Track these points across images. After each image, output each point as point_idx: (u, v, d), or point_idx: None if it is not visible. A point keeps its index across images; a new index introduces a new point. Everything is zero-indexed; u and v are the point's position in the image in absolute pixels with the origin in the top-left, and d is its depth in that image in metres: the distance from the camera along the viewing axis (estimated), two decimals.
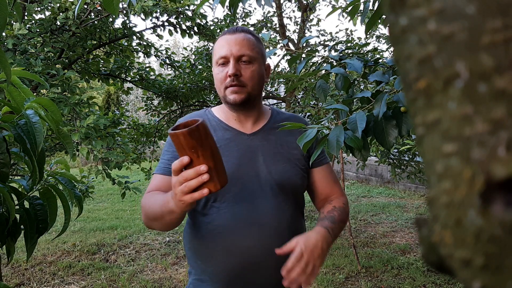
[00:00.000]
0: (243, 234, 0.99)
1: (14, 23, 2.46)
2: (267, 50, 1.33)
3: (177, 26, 3.33)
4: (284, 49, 1.27)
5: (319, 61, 1.22)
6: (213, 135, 1.05)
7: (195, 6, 3.20)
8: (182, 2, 3.11)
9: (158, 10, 3.08)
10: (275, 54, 1.37)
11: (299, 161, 1.06)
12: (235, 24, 3.90)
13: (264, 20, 5.75)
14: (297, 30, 6.19)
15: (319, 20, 6.07)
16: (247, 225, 0.99)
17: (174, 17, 3.25)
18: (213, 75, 1.06)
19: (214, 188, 0.77)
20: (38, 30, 2.71)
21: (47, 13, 2.97)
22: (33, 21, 2.81)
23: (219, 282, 1.01)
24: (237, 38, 1.00)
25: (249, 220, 0.99)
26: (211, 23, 3.60)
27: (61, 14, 2.67)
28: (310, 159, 1.06)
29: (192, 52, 4.25)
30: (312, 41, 5.62)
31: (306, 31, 5.84)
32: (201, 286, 1.04)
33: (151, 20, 3.21)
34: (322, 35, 6.07)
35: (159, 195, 0.97)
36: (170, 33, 3.38)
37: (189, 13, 3.23)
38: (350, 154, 1.12)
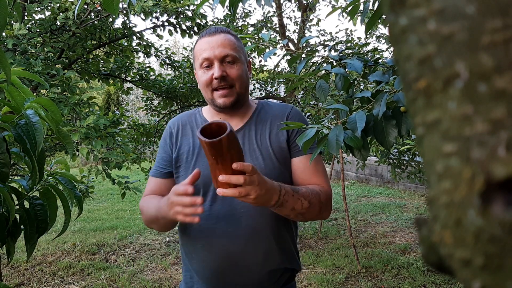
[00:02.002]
0: (221, 233, 1.00)
1: (14, 23, 2.46)
2: (267, 50, 1.33)
3: (177, 26, 3.33)
4: (284, 49, 1.27)
5: (319, 61, 1.22)
6: (195, 134, 1.08)
7: (195, 6, 3.20)
8: (182, 2, 3.11)
9: (158, 10, 3.08)
10: (275, 54, 1.37)
11: (280, 154, 1.03)
12: (234, 24, 3.90)
13: (264, 20, 5.75)
14: (297, 30, 6.19)
15: (319, 20, 6.07)
16: (225, 225, 1.00)
17: (174, 17, 3.24)
18: (196, 78, 1.07)
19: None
20: (38, 30, 2.71)
21: (47, 13, 2.97)
22: (33, 21, 2.81)
23: (202, 279, 1.04)
24: (218, 39, 1.00)
25: (227, 219, 0.99)
26: (211, 23, 3.60)
27: (61, 14, 2.67)
28: (290, 150, 1.05)
29: (192, 52, 4.24)
30: (312, 41, 5.62)
31: (306, 31, 5.84)
32: (191, 282, 1.09)
33: (151, 20, 3.21)
34: (322, 35, 6.07)
35: (154, 200, 1.03)
36: (170, 33, 3.38)
37: (189, 13, 3.23)
38: (350, 154, 1.12)
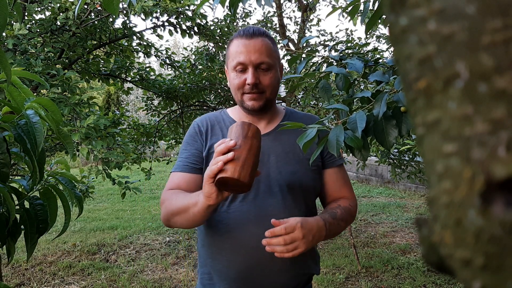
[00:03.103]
0: (250, 234, 0.99)
1: (14, 23, 2.46)
2: None
3: (177, 26, 3.33)
4: (284, 49, 1.27)
5: (319, 61, 1.22)
6: (225, 134, 1.08)
7: (195, 6, 3.20)
8: (182, 2, 3.11)
9: (158, 10, 3.08)
10: None
11: (313, 162, 1.04)
12: (235, 24, 3.90)
13: (264, 20, 5.75)
14: (297, 30, 6.19)
15: (319, 20, 6.07)
16: (255, 225, 0.99)
17: (174, 17, 3.25)
18: (228, 79, 1.06)
19: (231, 173, 0.79)
20: (38, 30, 2.71)
21: (47, 13, 2.97)
22: (33, 21, 2.81)
23: (226, 280, 1.02)
24: (256, 44, 0.99)
25: (257, 220, 0.99)
26: (211, 23, 3.60)
27: (61, 14, 2.67)
28: (323, 160, 1.08)
29: (192, 52, 4.25)
30: (312, 41, 5.62)
31: (306, 31, 5.84)
32: (210, 283, 1.06)
33: (151, 20, 3.21)
34: (322, 35, 6.07)
35: (183, 193, 0.99)
36: (170, 33, 3.38)
37: (189, 13, 3.23)
38: (350, 154, 1.12)
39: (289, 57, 1.27)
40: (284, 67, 1.16)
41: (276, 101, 1.28)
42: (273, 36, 5.67)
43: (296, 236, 0.85)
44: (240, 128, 0.84)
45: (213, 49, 4.07)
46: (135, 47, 3.54)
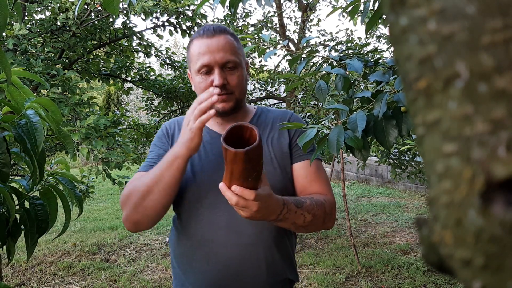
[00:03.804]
0: (221, 243, 0.95)
1: (15, 23, 2.46)
2: (268, 50, 1.33)
3: (177, 26, 3.33)
4: (284, 50, 1.27)
5: (319, 61, 1.22)
6: None
7: (195, 6, 3.20)
8: (182, 2, 3.11)
9: (158, 10, 3.09)
10: (275, 54, 1.37)
11: (281, 159, 0.99)
12: (235, 24, 3.90)
13: (264, 20, 5.75)
14: (297, 30, 6.19)
15: (319, 20, 6.07)
16: (225, 233, 0.94)
17: (174, 17, 3.25)
18: (193, 83, 1.00)
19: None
20: (38, 30, 2.71)
21: (47, 13, 2.97)
22: (34, 21, 2.81)
23: None
24: (219, 43, 0.93)
25: (227, 228, 0.94)
26: (212, 23, 3.60)
27: (61, 14, 2.67)
28: (290, 155, 1.00)
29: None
30: (312, 41, 5.62)
31: (306, 31, 5.84)
32: None
33: (151, 20, 3.21)
34: (323, 35, 6.08)
35: (149, 171, 0.94)
36: (170, 33, 3.39)
37: (189, 13, 3.23)
38: (350, 154, 1.11)
39: (289, 57, 1.27)
40: (250, 64, 1.08)
41: (277, 101, 1.25)
42: (273, 36, 5.67)
43: (248, 205, 0.75)
44: (223, 153, 0.75)
45: None
46: (135, 47, 3.54)
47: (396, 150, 3.65)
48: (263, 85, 4.88)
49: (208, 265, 0.96)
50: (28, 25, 2.72)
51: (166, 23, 3.33)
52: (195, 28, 3.40)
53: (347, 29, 6.16)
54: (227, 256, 0.94)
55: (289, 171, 1.00)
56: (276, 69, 5.17)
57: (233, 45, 0.96)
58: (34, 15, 2.92)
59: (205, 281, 0.96)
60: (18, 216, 0.95)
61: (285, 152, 1.00)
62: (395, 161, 3.80)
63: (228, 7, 1.04)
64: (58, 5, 2.67)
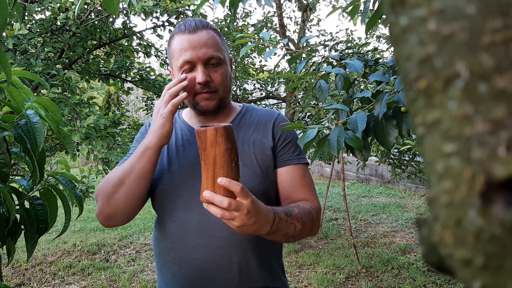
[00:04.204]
0: (192, 245, 0.91)
1: (15, 23, 2.46)
2: (267, 50, 1.33)
3: None
4: (284, 49, 1.27)
5: (319, 61, 1.22)
6: (174, 136, 1.00)
7: (195, 6, 3.20)
8: (182, 2, 3.11)
9: (158, 10, 3.09)
10: (275, 54, 1.37)
11: (262, 162, 0.94)
12: (235, 24, 3.90)
13: (264, 20, 5.75)
14: (297, 30, 6.19)
15: (319, 20, 6.07)
16: (197, 236, 0.91)
17: (174, 17, 3.25)
18: (172, 78, 0.97)
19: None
20: (38, 30, 2.71)
21: (47, 13, 2.97)
22: (34, 21, 2.81)
23: None
24: (201, 38, 0.89)
25: (199, 230, 0.90)
26: (212, 23, 3.60)
27: (61, 14, 2.67)
28: (275, 159, 0.96)
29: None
30: (312, 41, 5.62)
31: (306, 31, 5.84)
32: None
33: (151, 20, 3.21)
34: (322, 35, 6.08)
35: (122, 164, 0.93)
36: (170, 33, 3.39)
37: (189, 13, 3.23)
38: (350, 154, 1.11)
39: (289, 57, 1.27)
40: (233, 62, 1.04)
41: (277, 101, 1.22)
42: (273, 36, 5.67)
43: (235, 216, 0.71)
44: (198, 139, 0.73)
45: None
46: (135, 47, 3.54)
47: (396, 150, 3.65)
48: (263, 85, 4.87)
49: (180, 267, 0.93)
50: (28, 25, 2.72)
51: (166, 23, 3.33)
52: None
53: (347, 29, 6.16)
54: (198, 259, 0.91)
55: (272, 174, 0.96)
56: (276, 69, 5.18)
57: (216, 40, 0.92)
58: (34, 15, 2.92)
59: (177, 283, 0.94)
60: (18, 216, 0.95)
61: (267, 154, 0.95)
62: (395, 161, 3.80)
63: (228, 7, 1.04)
64: (58, 5, 2.67)
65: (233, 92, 4.27)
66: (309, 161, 1.03)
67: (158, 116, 0.84)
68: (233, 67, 1.06)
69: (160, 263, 0.98)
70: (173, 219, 0.94)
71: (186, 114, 1.06)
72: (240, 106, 1.06)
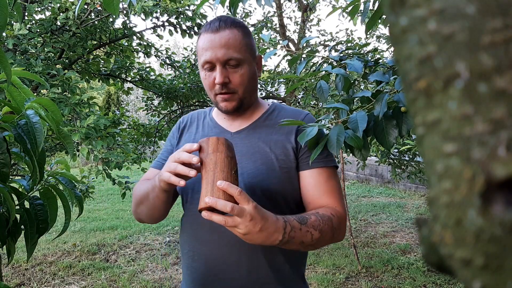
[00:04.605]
0: (203, 241, 0.94)
1: (15, 23, 2.46)
2: (267, 50, 1.33)
3: (177, 26, 3.33)
4: (284, 50, 1.27)
5: (319, 62, 1.22)
6: (199, 131, 1.04)
7: (195, 6, 3.20)
8: (182, 2, 3.11)
9: (158, 10, 3.09)
10: (275, 54, 1.37)
11: (283, 162, 0.93)
12: None
13: (264, 20, 5.75)
14: (297, 30, 6.19)
15: (319, 20, 6.07)
16: (208, 232, 0.93)
17: (174, 17, 3.25)
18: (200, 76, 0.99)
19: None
20: (38, 30, 2.71)
21: (47, 13, 2.97)
22: (34, 21, 2.81)
23: (188, 285, 1.00)
24: (222, 39, 0.89)
25: (211, 226, 0.91)
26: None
27: (61, 14, 2.67)
28: (298, 160, 0.95)
29: (192, 52, 4.25)
30: (312, 41, 5.62)
31: (306, 31, 5.84)
32: (183, 284, 1.04)
33: (151, 20, 3.21)
34: (323, 35, 6.08)
35: (147, 181, 0.97)
36: (170, 33, 3.39)
37: (189, 13, 3.23)
38: (350, 154, 1.11)
39: (289, 58, 1.27)
40: (272, 69, 1.07)
41: (277, 101, 1.20)
42: (273, 36, 5.67)
43: (244, 209, 0.70)
44: (205, 145, 0.78)
45: None
46: (135, 47, 3.54)
47: (396, 150, 3.65)
48: (263, 85, 4.88)
49: (193, 261, 0.96)
50: (28, 25, 2.72)
51: (166, 23, 3.33)
52: (195, 28, 3.40)
53: (347, 29, 6.17)
54: (208, 254, 0.93)
55: (293, 176, 0.94)
56: (276, 69, 5.18)
57: (238, 40, 0.91)
58: (34, 15, 2.92)
59: (190, 276, 0.97)
60: (18, 216, 0.95)
61: (288, 155, 0.94)
62: (395, 161, 3.80)
63: (228, 7, 1.04)
64: (58, 5, 2.67)
65: None
66: (338, 164, 1.00)
67: (165, 166, 0.82)
68: (262, 66, 1.04)
69: (181, 254, 1.03)
70: (189, 214, 0.97)
71: (215, 112, 1.08)
72: (269, 104, 1.06)
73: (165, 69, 3.96)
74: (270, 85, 4.75)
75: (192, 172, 0.76)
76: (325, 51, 5.27)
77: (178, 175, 0.79)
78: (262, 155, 0.94)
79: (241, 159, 0.93)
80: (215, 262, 0.92)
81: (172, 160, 0.80)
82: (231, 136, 0.99)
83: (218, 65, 0.90)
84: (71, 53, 2.86)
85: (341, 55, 1.17)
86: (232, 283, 0.91)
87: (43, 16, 2.96)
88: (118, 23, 3.27)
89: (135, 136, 3.80)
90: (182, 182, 0.77)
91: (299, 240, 0.78)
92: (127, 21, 3.18)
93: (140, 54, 3.64)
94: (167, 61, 3.82)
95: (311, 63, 1.27)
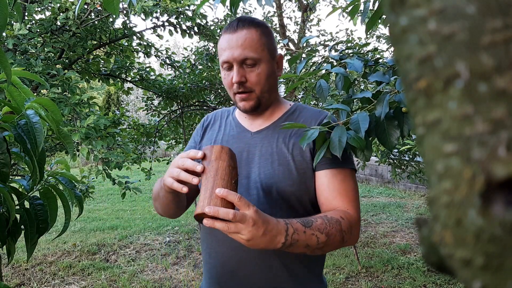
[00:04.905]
0: (219, 239, 0.96)
1: (15, 23, 2.46)
2: None
3: (177, 26, 3.33)
4: (284, 49, 1.27)
5: (319, 61, 1.22)
6: (221, 130, 1.07)
7: (195, 6, 3.20)
8: (182, 2, 3.11)
9: (158, 10, 3.08)
10: None
11: (300, 164, 0.93)
12: None
13: (265, 20, 5.75)
14: (297, 30, 6.19)
15: (319, 20, 6.07)
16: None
17: (174, 17, 3.25)
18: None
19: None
20: (38, 30, 2.71)
21: (47, 13, 2.97)
22: (34, 21, 2.81)
23: (206, 280, 1.03)
24: (239, 38, 0.91)
25: None
26: (211, 23, 3.60)
27: (61, 14, 2.67)
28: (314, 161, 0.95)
29: (192, 52, 4.25)
30: (312, 41, 5.62)
31: (306, 31, 5.84)
32: (203, 280, 1.08)
33: (151, 20, 3.21)
34: (322, 35, 6.08)
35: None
36: (170, 33, 3.38)
37: (189, 13, 3.23)
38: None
39: (289, 57, 1.27)
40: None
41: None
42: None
43: (246, 215, 0.70)
44: (208, 152, 0.79)
45: (213, 49, 4.07)
46: (135, 47, 3.54)
47: (396, 150, 3.64)
48: None
49: (210, 257, 0.99)
50: (28, 25, 2.72)
51: (166, 23, 3.32)
52: (195, 28, 3.40)
53: (347, 29, 6.17)
54: (223, 252, 0.96)
55: (309, 178, 0.94)
56: None
57: (255, 40, 0.92)
58: (34, 15, 2.91)
59: (208, 272, 1.01)
60: (18, 216, 0.95)
61: (306, 156, 0.94)
62: (395, 161, 3.80)
63: (229, 7, 1.04)
64: (58, 5, 2.67)
65: None
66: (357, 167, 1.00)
67: (165, 176, 0.84)
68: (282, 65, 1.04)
69: (201, 250, 1.06)
70: None
71: (238, 111, 1.10)
72: (291, 104, 1.06)
73: (165, 69, 3.96)
74: None
75: (195, 180, 0.77)
76: (325, 51, 5.27)
77: (181, 181, 0.80)
78: (279, 156, 0.95)
79: (259, 159, 0.96)
80: (231, 260, 0.95)
81: (175, 165, 0.81)
82: (251, 136, 1.01)
83: (235, 64, 0.92)
84: (71, 53, 2.86)
85: (341, 54, 1.17)
86: (246, 280, 0.93)
87: (43, 16, 2.96)
88: (118, 23, 3.28)
89: (135, 136, 3.80)
90: (185, 189, 0.78)
91: (303, 243, 0.77)
92: (127, 21, 3.18)
93: (140, 54, 3.64)
94: (167, 61, 3.82)
95: (311, 63, 1.27)
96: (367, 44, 1.30)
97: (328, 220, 0.82)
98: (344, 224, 0.84)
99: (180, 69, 3.91)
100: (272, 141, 0.98)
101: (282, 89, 5.69)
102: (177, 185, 0.79)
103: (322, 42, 5.92)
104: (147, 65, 3.77)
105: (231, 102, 4.28)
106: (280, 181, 0.92)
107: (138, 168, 3.67)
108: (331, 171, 0.92)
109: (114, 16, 2.93)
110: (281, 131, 0.98)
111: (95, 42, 3.10)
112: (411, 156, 3.66)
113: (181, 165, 0.79)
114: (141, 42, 3.51)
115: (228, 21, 3.75)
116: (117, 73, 3.46)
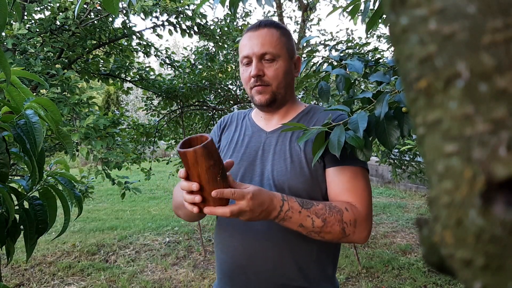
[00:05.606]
0: (230, 234, 0.99)
1: (14, 23, 2.46)
2: None
3: (177, 25, 3.33)
4: None
5: (319, 61, 1.22)
6: (237, 131, 1.10)
7: (195, 6, 3.20)
8: (182, 1, 3.11)
9: (158, 10, 3.08)
10: None
11: (312, 163, 0.96)
12: (235, 23, 3.90)
13: None
14: (297, 30, 6.19)
15: (319, 19, 6.07)
16: (236, 226, 0.98)
17: (174, 16, 3.24)
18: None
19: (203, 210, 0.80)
20: (37, 30, 2.71)
21: (47, 13, 2.97)
22: (33, 21, 2.81)
23: (218, 277, 1.05)
24: (260, 35, 0.96)
25: (238, 219, 0.93)
26: (211, 22, 3.60)
27: (60, 14, 2.67)
28: (324, 159, 0.97)
29: (192, 52, 4.25)
30: (312, 41, 5.62)
31: (307, 30, 5.84)
32: (217, 279, 1.09)
33: (151, 19, 3.21)
34: (323, 34, 6.08)
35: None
36: (170, 33, 3.38)
37: (189, 13, 3.23)
38: None
39: None
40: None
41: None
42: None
43: (242, 207, 0.77)
44: (180, 157, 0.77)
45: (213, 49, 4.07)
46: (134, 47, 3.54)
47: (396, 150, 3.65)
48: None
49: (222, 252, 1.01)
50: (27, 25, 2.72)
51: (165, 23, 3.32)
52: (195, 28, 3.40)
53: (347, 29, 6.17)
54: (234, 246, 0.98)
55: (320, 176, 0.96)
56: None
57: (275, 37, 0.97)
58: (34, 14, 2.91)
59: (220, 267, 1.03)
60: (17, 216, 0.95)
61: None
62: (395, 161, 3.80)
63: (228, 7, 1.04)
64: (58, 4, 2.66)
65: (232, 92, 4.26)
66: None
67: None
68: (300, 65, 1.08)
69: (214, 246, 1.09)
70: None
71: (254, 111, 1.13)
72: (306, 106, 1.09)
73: (164, 69, 3.96)
74: None
75: (195, 209, 0.80)
76: (325, 50, 5.27)
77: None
78: (293, 154, 0.98)
79: (273, 156, 1.00)
80: (241, 255, 0.96)
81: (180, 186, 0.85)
82: (266, 135, 1.05)
83: (254, 58, 0.96)
84: (70, 52, 2.86)
85: (342, 55, 1.17)
86: (257, 276, 0.95)
87: (42, 16, 2.96)
88: (117, 23, 3.27)
89: (135, 136, 3.80)
90: (195, 209, 0.81)
91: (297, 222, 0.83)
92: (127, 21, 3.17)
93: (140, 53, 3.64)
94: (167, 61, 3.82)
95: (312, 63, 1.27)
96: (367, 43, 1.30)
97: (329, 207, 0.86)
98: (346, 216, 0.86)
99: (179, 69, 3.91)
100: (285, 139, 1.01)
101: None
102: (189, 207, 0.82)
103: (322, 42, 5.93)
104: (147, 64, 3.77)
105: (231, 102, 4.28)
106: (292, 178, 0.95)
107: (137, 168, 3.67)
108: (341, 168, 0.94)
109: (113, 16, 2.93)
110: (293, 132, 1.01)
111: (95, 42, 3.09)
112: (411, 156, 3.66)
113: (182, 187, 0.82)
114: (141, 42, 3.51)
115: (228, 21, 3.74)
116: (116, 73, 3.46)
